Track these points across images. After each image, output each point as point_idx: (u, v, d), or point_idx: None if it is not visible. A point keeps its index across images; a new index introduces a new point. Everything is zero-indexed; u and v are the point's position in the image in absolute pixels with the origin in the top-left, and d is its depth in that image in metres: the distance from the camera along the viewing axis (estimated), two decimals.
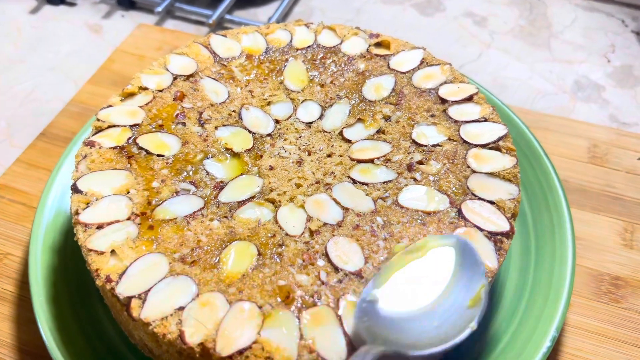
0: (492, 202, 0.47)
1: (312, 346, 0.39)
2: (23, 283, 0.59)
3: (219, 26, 0.93)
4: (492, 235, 0.45)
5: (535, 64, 0.87)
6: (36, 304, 0.50)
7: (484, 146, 0.51)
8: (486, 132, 0.52)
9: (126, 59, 0.83)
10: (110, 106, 0.55)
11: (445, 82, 0.57)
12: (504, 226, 0.46)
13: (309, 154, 0.52)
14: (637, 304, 0.57)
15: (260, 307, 0.41)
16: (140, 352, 0.49)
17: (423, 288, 0.39)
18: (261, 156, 0.52)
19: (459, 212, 0.47)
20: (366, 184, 0.49)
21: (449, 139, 0.52)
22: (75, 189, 0.48)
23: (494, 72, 0.86)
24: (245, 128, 0.54)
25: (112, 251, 0.44)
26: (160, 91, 0.56)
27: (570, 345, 0.54)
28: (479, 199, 0.48)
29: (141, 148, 0.52)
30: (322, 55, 0.61)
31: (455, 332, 0.37)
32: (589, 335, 0.55)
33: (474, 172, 0.49)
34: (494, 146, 0.51)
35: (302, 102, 0.57)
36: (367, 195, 0.49)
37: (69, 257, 0.55)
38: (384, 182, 0.49)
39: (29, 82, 0.84)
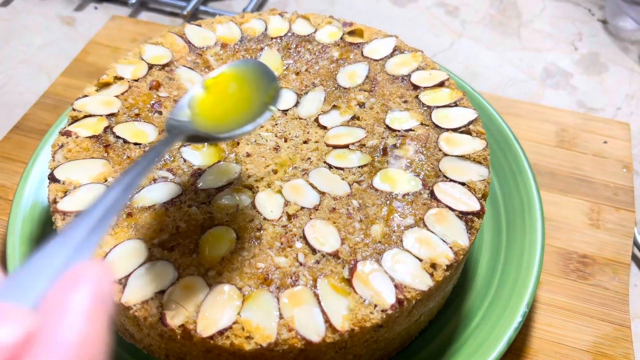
0: (463, 184, 0.49)
1: (291, 325, 0.40)
2: None
3: (194, 18, 0.93)
4: (463, 215, 0.47)
5: (505, 52, 0.90)
6: None
7: (455, 130, 0.53)
8: (457, 117, 0.54)
9: (100, 51, 0.83)
10: (85, 96, 0.55)
11: (418, 69, 0.58)
12: (475, 206, 0.47)
13: (286, 141, 0.53)
14: (603, 280, 0.59)
15: (239, 289, 0.42)
16: (121, 338, 0.50)
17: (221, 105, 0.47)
18: (238, 143, 0.53)
19: (432, 193, 0.48)
20: (342, 169, 0.51)
21: (422, 123, 0.54)
22: (52, 178, 0.48)
23: (465, 60, 0.88)
24: None
25: None
26: (136, 80, 0.57)
27: (540, 321, 0.56)
28: (451, 180, 0.49)
29: (118, 137, 0.52)
30: (296, 43, 0.62)
31: (258, 116, 0.44)
32: (558, 310, 0.57)
33: (445, 155, 0.51)
34: (464, 130, 0.53)
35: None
36: (343, 179, 0.50)
37: None
38: (359, 167, 0.51)
39: (1, 75, 0.83)
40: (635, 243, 0.63)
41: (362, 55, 0.60)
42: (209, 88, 0.47)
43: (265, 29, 0.63)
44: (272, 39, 0.62)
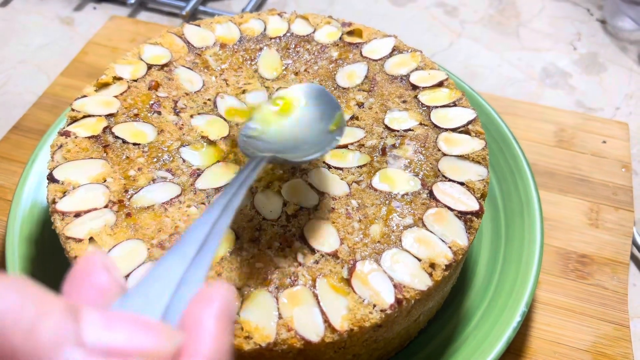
0: (462, 183, 0.49)
1: (290, 325, 0.40)
2: None
3: (193, 18, 0.93)
4: (462, 215, 0.47)
5: (504, 52, 0.90)
6: None
7: (453, 130, 0.53)
8: (456, 117, 0.54)
9: (99, 51, 0.83)
10: (84, 96, 0.55)
11: (417, 69, 0.58)
12: (474, 206, 0.47)
13: None
14: (602, 279, 0.59)
15: (238, 289, 0.42)
16: None
17: (288, 126, 0.48)
18: (237, 144, 0.53)
19: (431, 193, 0.48)
20: (341, 169, 0.51)
21: (420, 123, 0.54)
22: (51, 179, 0.48)
23: (464, 60, 0.88)
24: (221, 116, 0.55)
25: (91, 238, 0.45)
26: (135, 81, 0.57)
27: (539, 321, 0.56)
28: (450, 180, 0.49)
29: (117, 137, 0.52)
30: (295, 44, 0.62)
31: (324, 148, 0.45)
32: (557, 310, 0.57)
33: (444, 155, 0.51)
34: (463, 130, 0.53)
35: (276, 90, 0.57)
36: (341, 179, 0.50)
37: (47, 248, 0.55)
38: (358, 167, 0.51)
39: (0, 75, 0.83)
40: (634, 243, 0.63)
41: (361, 55, 0.60)
42: (279, 106, 0.49)
43: (264, 29, 0.63)
44: (271, 39, 0.62)
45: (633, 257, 0.64)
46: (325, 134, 0.47)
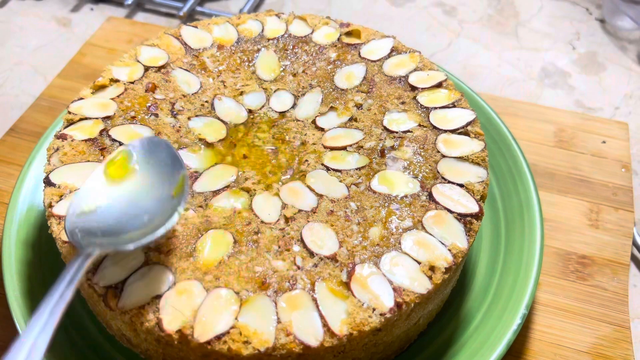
0: (461, 185, 0.49)
1: (289, 329, 0.40)
2: None
3: (190, 18, 0.92)
4: (461, 217, 0.46)
5: (503, 52, 0.89)
6: (11, 298, 0.50)
7: (453, 131, 0.53)
8: (455, 118, 0.53)
9: (96, 52, 0.83)
10: (81, 99, 0.55)
11: (415, 70, 0.58)
12: (473, 208, 0.47)
13: (283, 143, 0.53)
14: (602, 281, 0.59)
15: (237, 293, 0.42)
16: (118, 343, 0.49)
17: (122, 189, 0.43)
18: (235, 146, 0.52)
19: (430, 195, 0.48)
20: (340, 171, 0.50)
21: (419, 125, 0.53)
22: (48, 182, 0.48)
23: (463, 60, 0.88)
24: (218, 118, 0.55)
25: None
26: (132, 83, 0.56)
27: (539, 322, 0.56)
28: (449, 182, 0.49)
29: (114, 140, 0.51)
30: (293, 45, 0.61)
31: (165, 219, 0.41)
32: (557, 312, 0.57)
33: (443, 156, 0.51)
34: (462, 131, 0.53)
35: (274, 91, 0.57)
36: (340, 181, 0.49)
37: (44, 251, 0.54)
38: (356, 169, 0.50)
39: None
40: (634, 243, 0.63)
41: (360, 56, 0.60)
42: (110, 174, 0.43)
43: (262, 30, 0.63)
44: (268, 40, 0.62)
45: (633, 257, 0.63)
46: (167, 200, 0.41)
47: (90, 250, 0.39)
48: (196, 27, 0.63)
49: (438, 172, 0.50)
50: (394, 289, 0.42)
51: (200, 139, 0.53)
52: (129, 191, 0.43)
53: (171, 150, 0.44)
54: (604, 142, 0.72)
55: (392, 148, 0.51)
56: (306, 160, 0.51)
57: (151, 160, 0.44)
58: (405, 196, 0.48)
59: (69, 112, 0.53)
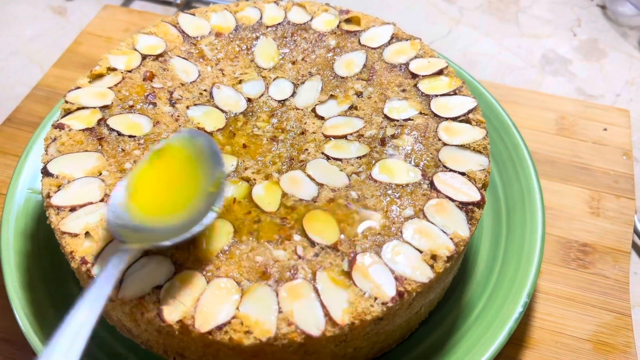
0: (463, 174, 0.48)
1: (290, 319, 0.40)
2: None
3: (187, 6, 0.91)
4: (463, 206, 0.46)
5: (504, 39, 0.89)
6: (10, 290, 0.50)
7: (454, 119, 0.52)
8: (456, 106, 0.53)
9: (93, 41, 0.82)
10: (78, 88, 0.54)
11: (416, 57, 0.57)
12: (475, 196, 0.47)
13: (282, 132, 0.52)
14: (603, 268, 0.59)
15: (238, 283, 0.42)
16: (119, 333, 0.49)
17: (171, 186, 0.43)
18: (234, 135, 0.52)
19: (431, 184, 0.47)
20: (340, 160, 0.50)
21: (420, 112, 0.53)
22: (45, 172, 0.47)
23: (463, 48, 0.87)
24: (217, 107, 0.54)
25: (87, 233, 0.44)
26: (129, 72, 0.56)
27: (541, 310, 0.56)
28: (450, 170, 0.48)
29: (112, 129, 0.51)
30: (292, 32, 0.61)
31: (202, 216, 0.40)
32: (558, 300, 0.57)
33: (445, 144, 0.50)
34: (464, 119, 0.52)
35: (273, 79, 0.56)
36: (341, 170, 0.49)
37: (42, 242, 0.54)
38: (357, 157, 0.50)
39: None
40: (635, 231, 0.63)
41: (359, 43, 0.59)
42: (153, 166, 0.43)
43: (261, 17, 0.62)
44: (267, 27, 0.61)
45: (634, 245, 0.63)
46: (205, 195, 0.41)
47: (127, 247, 0.39)
48: (194, 14, 0.62)
49: (439, 160, 0.49)
50: (396, 278, 0.42)
51: (199, 128, 0.52)
52: (170, 184, 0.42)
53: (212, 145, 0.44)
54: (605, 129, 0.72)
55: (393, 136, 0.51)
56: (306, 149, 0.51)
57: (193, 154, 0.43)
58: (407, 185, 0.47)
59: (66, 102, 0.53)
